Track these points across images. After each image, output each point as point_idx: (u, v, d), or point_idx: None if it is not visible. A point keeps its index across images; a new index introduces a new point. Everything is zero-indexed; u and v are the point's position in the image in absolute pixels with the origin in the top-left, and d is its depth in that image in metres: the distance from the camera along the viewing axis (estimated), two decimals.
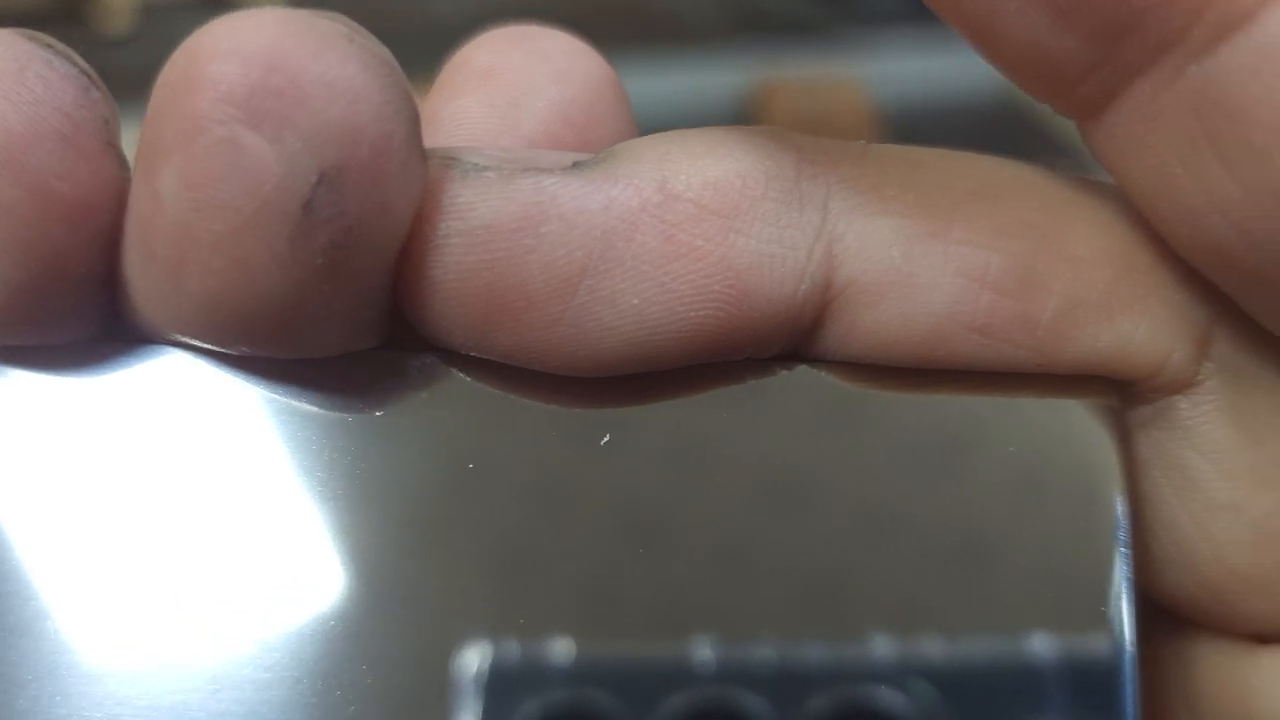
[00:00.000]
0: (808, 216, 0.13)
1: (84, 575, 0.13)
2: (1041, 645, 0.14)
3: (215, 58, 0.12)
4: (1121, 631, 0.14)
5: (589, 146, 0.15)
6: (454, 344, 0.14)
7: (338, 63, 0.12)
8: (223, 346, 0.13)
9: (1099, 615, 0.14)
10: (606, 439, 0.14)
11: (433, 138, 0.15)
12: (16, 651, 0.13)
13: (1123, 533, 0.14)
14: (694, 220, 0.13)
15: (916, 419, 0.14)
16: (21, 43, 0.13)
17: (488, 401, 0.14)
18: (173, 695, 0.13)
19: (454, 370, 0.14)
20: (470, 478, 0.14)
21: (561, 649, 0.14)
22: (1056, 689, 0.13)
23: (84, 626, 0.13)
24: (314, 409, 0.14)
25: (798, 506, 0.14)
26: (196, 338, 0.13)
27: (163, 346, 0.14)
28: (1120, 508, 0.14)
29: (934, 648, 0.14)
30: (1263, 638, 0.14)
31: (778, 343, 0.14)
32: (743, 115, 0.81)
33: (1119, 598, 0.14)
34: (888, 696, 0.13)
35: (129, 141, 0.13)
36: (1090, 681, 0.13)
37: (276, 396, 0.14)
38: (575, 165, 0.13)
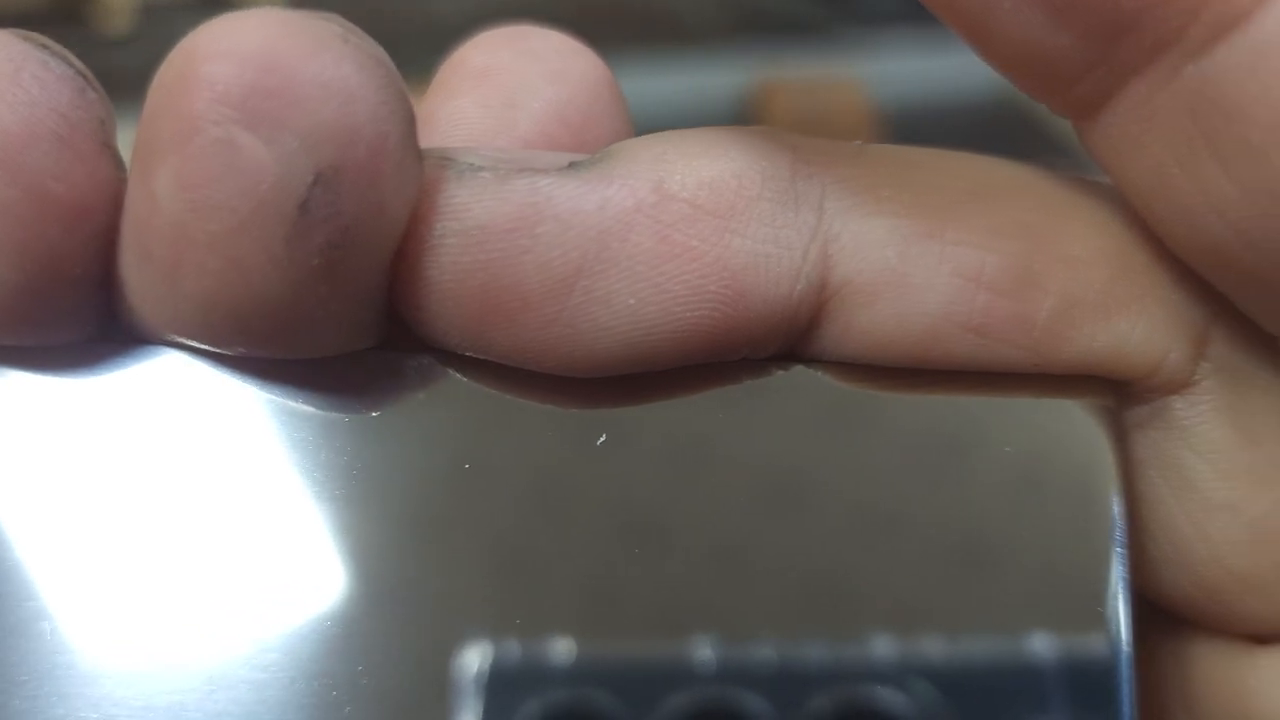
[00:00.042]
0: (803, 217, 0.13)
1: (80, 576, 0.13)
2: (1038, 645, 0.14)
3: (211, 58, 0.12)
4: (1118, 631, 0.14)
5: (585, 147, 0.15)
6: (450, 344, 0.14)
7: (333, 63, 0.12)
8: (219, 347, 0.13)
9: (1096, 615, 0.14)
10: (603, 439, 0.14)
11: (429, 138, 0.15)
12: (13, 652, 0.13)
13: (1119, 533, 0.14)
14: (689, 220, 0.13)
15: (913, 419, 0.14)
16: (17, 43, 0.13)
17: (484, 402, 0.14)
18: (169, 695, 0.13)
19: (450, 370, 0.14)
20: (467, 478, 0.14)
21: (561, 649, 0.14)
22: (1053, 689, 0.13)
23: (80, 627, 0.13)
24: (310, 409, 0.14)
25: (795, 506, 0.14)
26: (192, 338, 0.13)
27: (159, 347, 0.14)
28: (1117, 508, 0.14)
29: (930, 648, 0.14)
30: (1260, 638, 0.14)
31: (773, 343, 0.14)
32: (743, 115, 0.81)
33: (1115, 597, 0.14)
34: (885, 696, 0.13)
35: (128, 141, 0.13)
36: (1087, 681, 0.13)
37: (273, 397, 0.14)
38: (571, 166, 0.13)
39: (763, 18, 0.88)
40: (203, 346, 0.14)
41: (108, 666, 0.13)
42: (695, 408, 0.14)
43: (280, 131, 0.12)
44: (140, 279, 0.13)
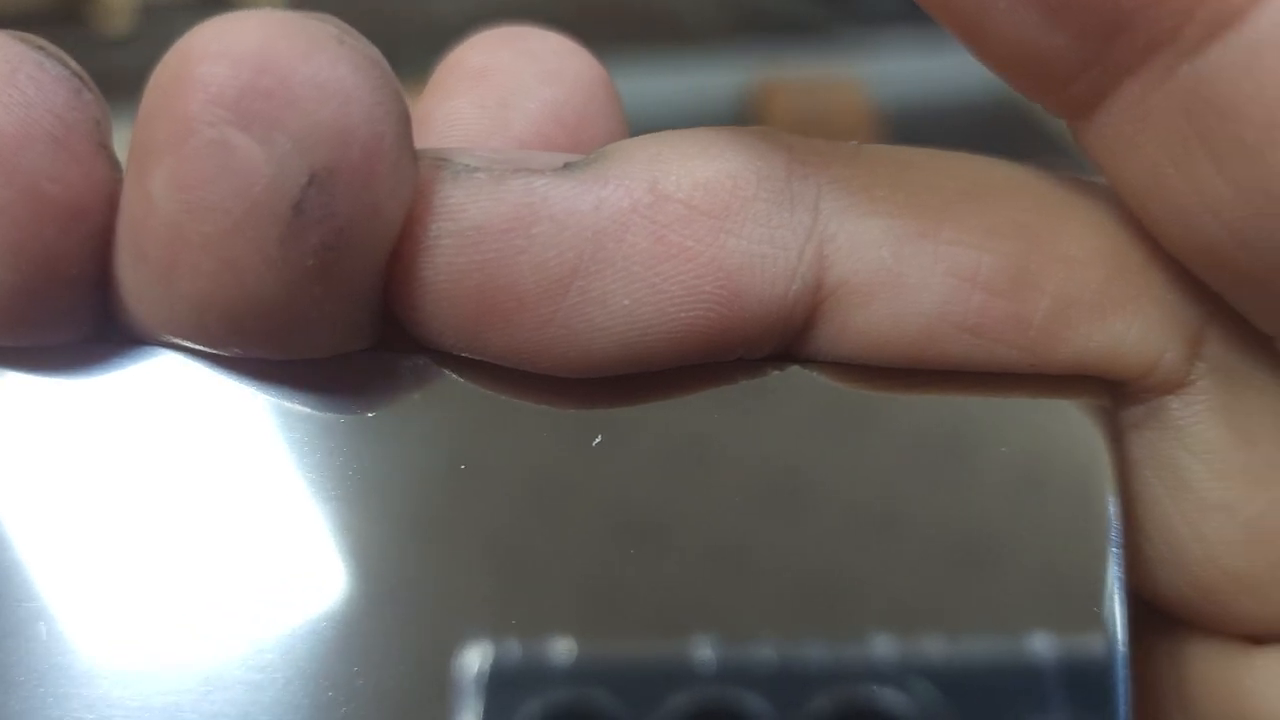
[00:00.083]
0: (799, 217, 0.13)
1: (76, 577, 0.13)
2: (1034, 645, 0.14)
3: (205, 59, 0.12)
4: (1114, 631, 0.14)
5: (581, 147, 0.15)
6: (445, 345, 0.14)
7: (328, 64, 0.12)
8: (214, 348, 0.13)
9: (1091, 615, 0.14)
10: (599, 440, 0.14)
11: (425, 139, 0.15)
12: (10, 653, 0.13)
13: (1115, 533, 0.14)
14: (685, 221, 0.13)
15: (908, 419, 0.14)
16: (13, 45, 0.13)
17: (480, 402, 0.14)
18: (165, 696, 0.13)
19: (446, 371, 0.14)
20: (463, 478, 0.14)
21: (559, 650, 0.14)
22: (1049, 688, 0.13)
23: (76, 628, 0.13)
24: (306, 410, 0.14)
25: (791, 507, 0.14)
26: (188, 339, 0.13)
27: (155, 348, 0.14)
28: (1112, 508, 0.14)
29: (925, 648, 0.14)
30: (1255, 638, 0.14)
31: (769, 343, 0.14)
32: (743, 115, 0.81)
33: (1111, 597, 0.14)
34: (881, 696, 0.13)
35: (128, 142, 0.13)
36: (1082, 681, 0.13)
37: (268, 398, 0.14)
38: (566, 166, 0.13)
39: (763, 18, 0.88)
40: (198, 347, 0.14)
41: (104, 667, 0.13)
42: (691, 408, 0.14)
43: (275, 132, 0.12)
44: (135, 280, 0.13)
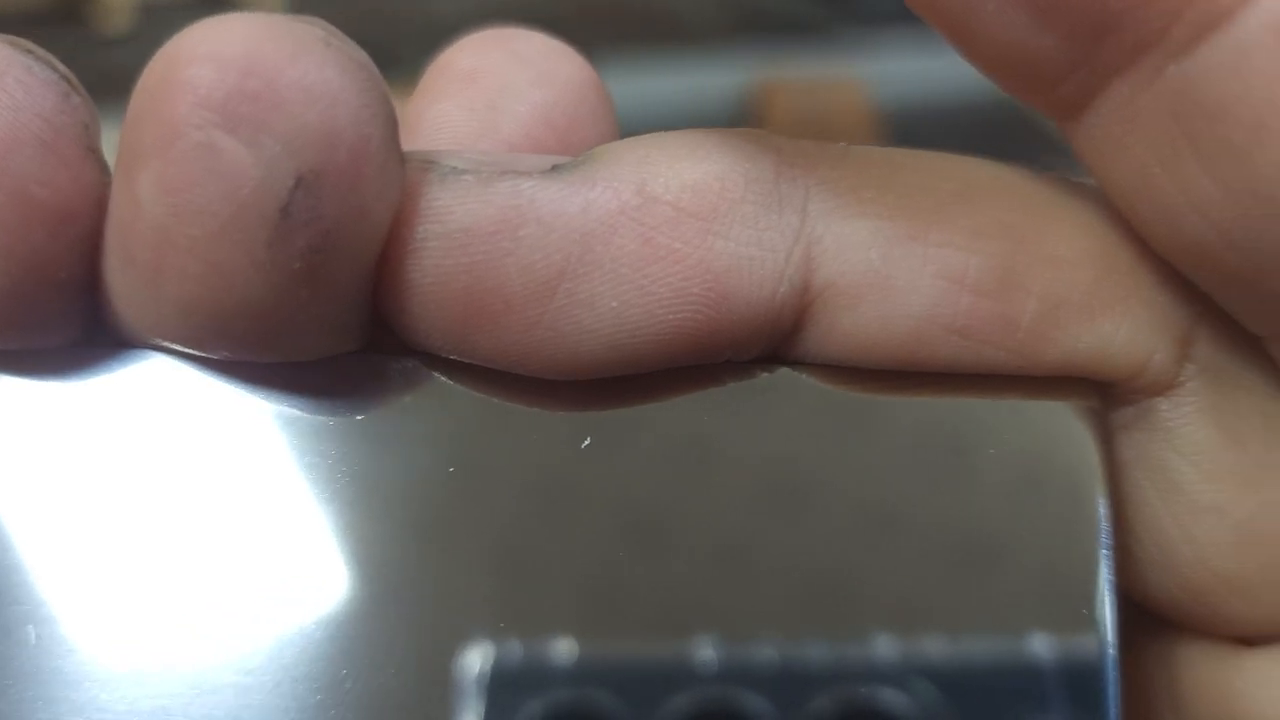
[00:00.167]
0: (786, 219, 0.13)
1: (65, 580, 0.13)
2: (1024, 647, 0.14)
3: (192, 62, 0.12)
4: (1104, 633, 0.14)
5: (571, 150, 0.15)
6: (433, 347, 0.14)
7: (315, 67, 0.12)
8: (202, 351, 0.13)
9: (1081, 617, 0.14)
10: (588, 442, 0.14)
11: (414, 141, 0.15)
12: None
13: (1105, 535, 0.14)
14: (672, 223, 0.13)
15: (897, 421, 0.14)
16: (1, 48, 0.13)
17: (469, 405, 0.14)
18: (153, 700, 0.13)
19: (435, 373, 0.14)
20: (452, 481, 0.14)
21: (558, 651, 0.14)
22: (1038, 690, 0.13)
23: (65, 631, 0.13)
24: (296, 412, 0.14)
25: (780, 508, 0.14)
26: (176, 342, 0.13)
27: (145, 351, 0.14)
28: (1102, 509, 0.14)
29: (916, 649, 0.14)
30: (1246, 640, 0.14)
31: (757, 345, 0.14)
32: (743, 115, 0.81)
33: (1101, 599, 0.14)
34: (875, 697, 0.13)
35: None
36: (1072, 682, 0.13)
37: (258, 400, 0.14)
38: (554, 168, 0.13)
39: (763, 18, 0.88)
40: (187, 350, 0.14)
41: (92, 670, 0.13)
42: (680, 410, 0.14)
43: (261, 135, 0.12)
44: (123, 283, 0.13)
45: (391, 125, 0.13)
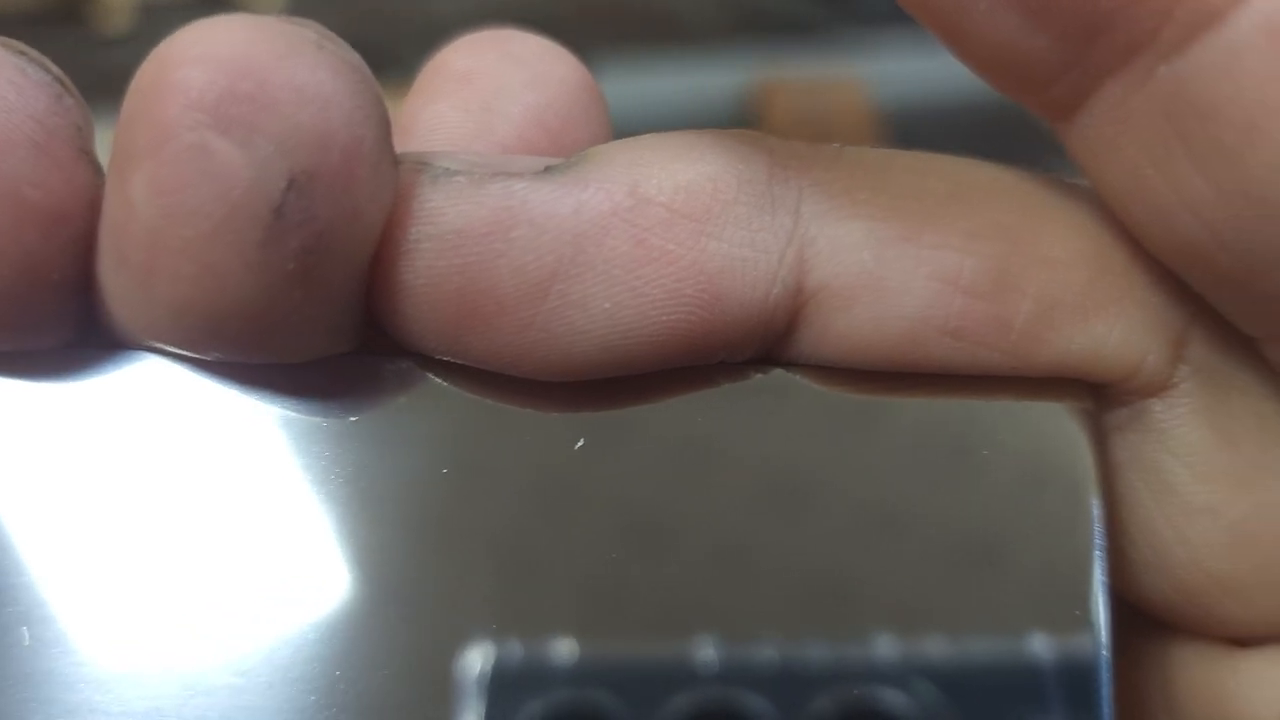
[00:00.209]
0: (780, 220, 0.13)
1: (58, 582, 0.14)
2: (1017, 647, 0.14)
3: (185, 64, 0.12)
4: (1097, 634, 0.14)
5: (564, 151, 0.15)
6: (426, 348, 0.14)
7: (307, 68, 0.12)
8: (195, 352, 0.13)
9: (1075, 618, 0.14)
10: (581, 443, 0.14)
11: (408, 143, 0.15)
12: None
13: (1099, 536, 0.14)
14: (665, 224, 0.13)
15: (891, 422, 0.14)
16: None
17: (462, 406, 0.14)
18: (146, 701, 0.13)
19: (429, 375, 0.14)
20: (446, 482, 0.14)
21: (558, 651, 0.14)
22: (1032, 691, 0.13)
23: (59, 633, 0.13)
24: (289, 413, 0.14)
25: (775, 509, 0.14)
26: (169, 343, 0.13)
27: (138, 352, 0.14)
28: (1096, 511, 0.14)
29: (908, 650, 0.14)
30: (1239, 641, 0.14)
31: (751, 346, 0.14)
32: (743, 115, 0.81)
33: (1095, 600, 0.14)
34: (867, 698, 0.13)
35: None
36: (1066, 683, 0.13)
37: (251, 402, 0.14)
38: (546, 169, 0.13)
39: (763, 18, 0.88)
40: (180, 351, 0.14)
41: (87, 672, 0.13)
42: (674, 411, 0.14)
43: (254, 136, 0.12)
44: (117, 284, 0.13)
45: (384, 126, 0.13)
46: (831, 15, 0.87)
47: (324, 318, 0.13)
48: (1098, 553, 0.14)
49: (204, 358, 0.14)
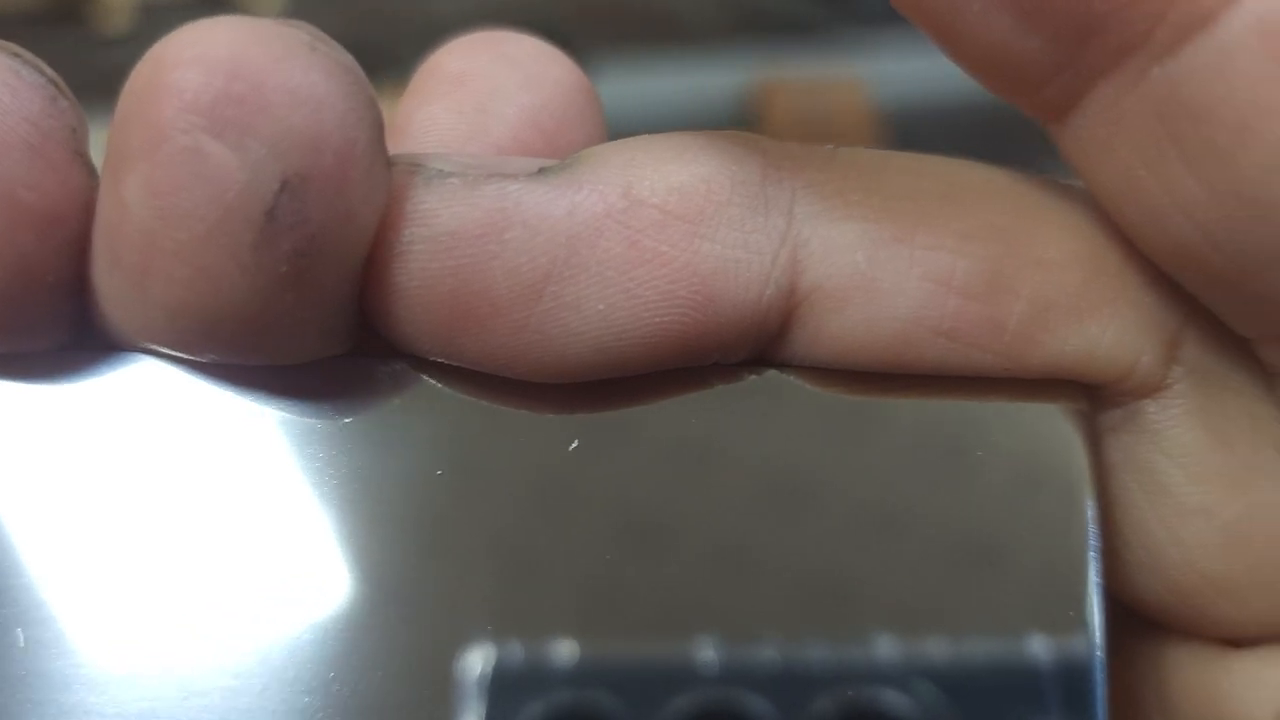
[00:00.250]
0: (773, 221, 0.13)
1: (54, 583, 0.14)
2: (1011, 648, 0.14)
3: (178, 66, 0.12)
4: (1092, 635, 0.14)
5: (559, 153, 0.15)
6: (421, 350, 0.14)
7: (301, 70, 0.12)
8: (190, 354, 0.13)
9: (1069, 618, 0.14)
10: (575, 445, 0.14)
11: (402, 144, 0.15)
12: None
13: (1093, 537, 0.14)
14: (659, 226, 0.13)
15: (884, 423, 0.14)
16: None
17: (457, 408, 0.14)
18: (141, 703, 0.13)
19: (423, 376, 0.14)
20: (440, 484, 0.14)
21: (557, 652, 0.14)
22: (1027, 691, 0.13)
23: (53, 634, 0.13)
24: (283, 415, 0.14)
25: (769, 509, 0.14)
26: (163, 345, 0.13)
27: (133, 354, 0.14)
28: (1090, 512, 0.14)
29: (902, 650, 0.14)
30: (1233, 642, 0.14)
31: (744, 348, 0.14)
32: (743, 115, 0.81)
33: (1090, 601, 0.14)
34: (860, 698, 0.13)
35: None
36: (1060, 684, 0.13)
37: (246, 403, 0.14)
38: (540, 171, 0.13)
39: (763, 18, 0.88)
40: (175, 353, 0.14)
41: (81, 673, 0.13)
42: (668, 413, 0.14)
43: (247, 138, 0.12)
44: (111, 286, 0.13)
45: (377, 129, 0.13)
46: (831, 15, 0.87)
47: (318, 319, 0.13)
48: (1092, 554, 0.14)
49: (198, 359, 0.14)
